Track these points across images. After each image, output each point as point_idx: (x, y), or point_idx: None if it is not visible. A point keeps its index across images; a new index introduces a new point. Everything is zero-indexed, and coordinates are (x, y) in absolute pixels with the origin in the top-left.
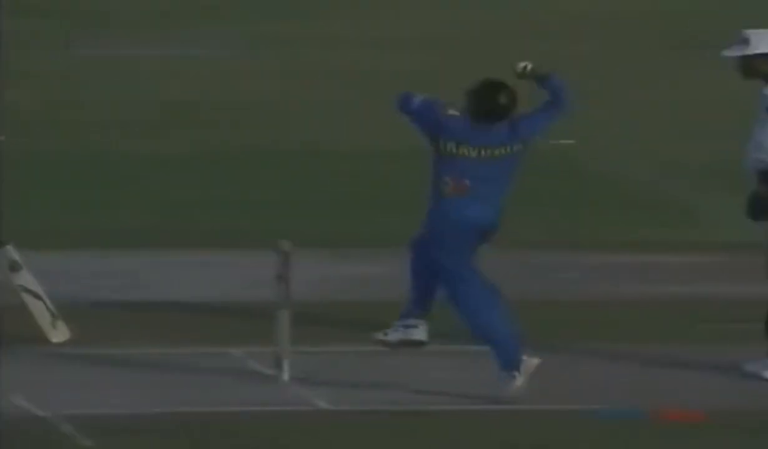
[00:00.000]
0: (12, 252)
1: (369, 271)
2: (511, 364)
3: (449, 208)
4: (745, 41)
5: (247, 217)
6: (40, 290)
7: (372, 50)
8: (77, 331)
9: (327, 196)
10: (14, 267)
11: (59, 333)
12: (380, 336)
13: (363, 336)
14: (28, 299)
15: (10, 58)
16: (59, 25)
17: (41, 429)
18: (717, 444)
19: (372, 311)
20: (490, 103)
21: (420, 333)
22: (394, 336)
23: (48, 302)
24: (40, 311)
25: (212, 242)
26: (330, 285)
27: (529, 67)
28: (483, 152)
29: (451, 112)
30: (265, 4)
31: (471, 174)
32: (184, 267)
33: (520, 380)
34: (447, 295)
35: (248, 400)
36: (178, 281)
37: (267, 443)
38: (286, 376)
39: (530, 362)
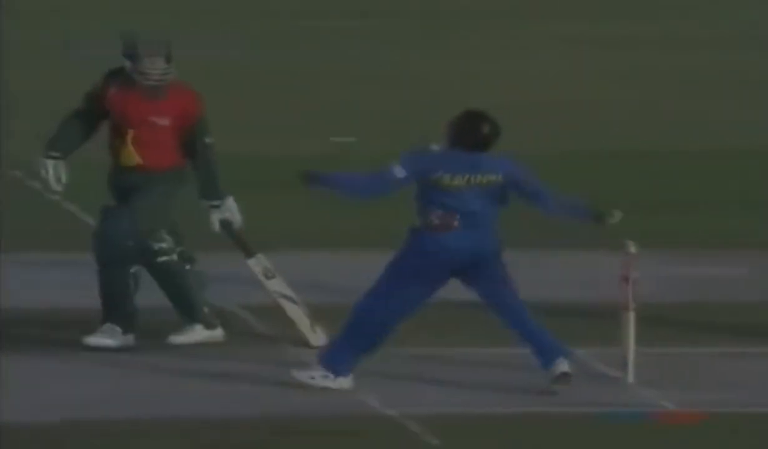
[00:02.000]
0: (264, 260)
1: (714, 272)
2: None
3: (430, 243)
4: None
5: None
6: (295, 295)
7: (710, 50)
8: (421, 331)
9: (671, 196)
10: (268, 274)
11: (318, 337)
12: None
13: (709, 337)
14: (285, 304)
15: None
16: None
17: (390, 427)
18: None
19: (715, 312)
20: (473, 133)
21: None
22: None
23: (304, 306)
24: (298, 316)
25: (554, 242)
26: (674, 286)
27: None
28: (472, 180)
29: (433, 147)
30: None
31: (461, 206)
32: (529, 266)
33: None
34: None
35: (593, 401)
36: (522, 281)
37: (611, 444)
38: (631, 377)
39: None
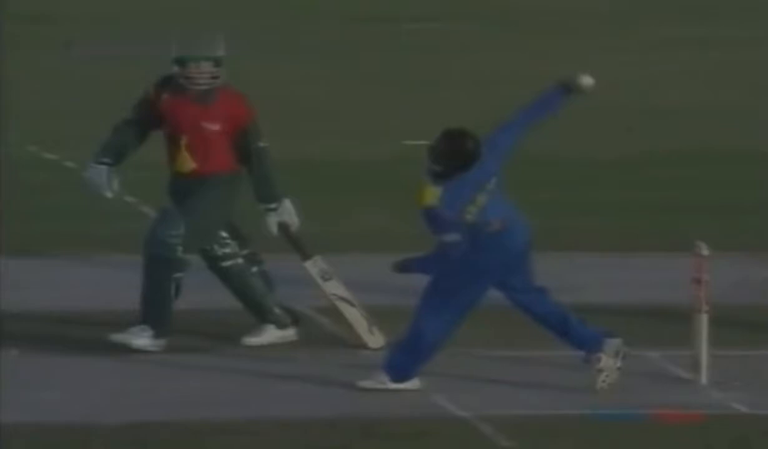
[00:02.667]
0: (321, 262)
1: None
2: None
3: (503, 240)
4: None
5: (664, 219)
6: (352, 297)
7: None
8: (492, 333)
9: (744, 199)
10: (325, 276)
11: (376, 340)
12: None
13: None
14: (342, 306)
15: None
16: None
17: (461, 429)
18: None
19: None
20: (460, 154)
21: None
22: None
23: (361, 308)
24: (355, 318)
25: (629, 244)
26: (748, 289)
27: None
28: (487, 188)
29: (432, 190)
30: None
31: (497, 211)
32: (601, 269)
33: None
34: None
35: (665, 403)
36: (594, 283)
37: (687, 446)
38: (703, 379)
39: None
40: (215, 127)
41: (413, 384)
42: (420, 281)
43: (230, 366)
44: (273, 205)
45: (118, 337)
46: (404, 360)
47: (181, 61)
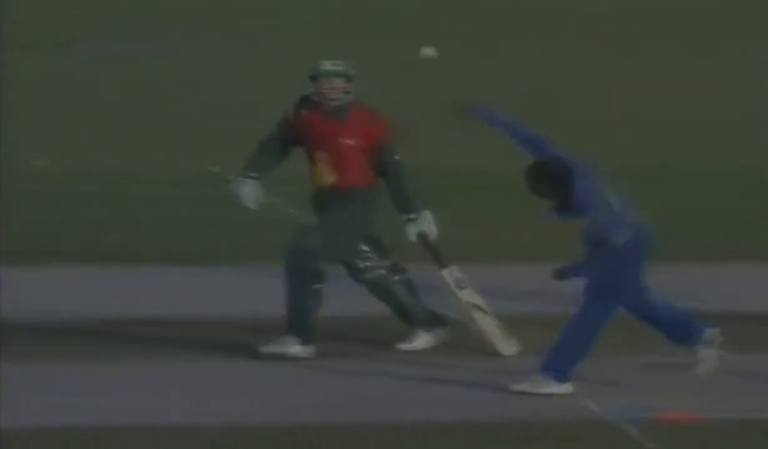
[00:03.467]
0: (456, 271)
1: None
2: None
3: (646, 235)
4: None
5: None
6: (486, 305)
7: None
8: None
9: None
10: (461, 284)
11: (510, 347)
12: None
13: None
14: (477, 315)
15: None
16: None
17: (609, 432)
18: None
19: None
20: (553, 182)
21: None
22: None
23: (494, 317)
24: (489, 326)
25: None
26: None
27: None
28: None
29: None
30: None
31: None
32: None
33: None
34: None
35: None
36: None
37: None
38: None
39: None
40: (350, 142)
41: (566, 388)
42: (559, 287)
43: (380, 369)
44: (412, 215)
45: (270, 349)
46: (560, 362)
47: (313, 78)
